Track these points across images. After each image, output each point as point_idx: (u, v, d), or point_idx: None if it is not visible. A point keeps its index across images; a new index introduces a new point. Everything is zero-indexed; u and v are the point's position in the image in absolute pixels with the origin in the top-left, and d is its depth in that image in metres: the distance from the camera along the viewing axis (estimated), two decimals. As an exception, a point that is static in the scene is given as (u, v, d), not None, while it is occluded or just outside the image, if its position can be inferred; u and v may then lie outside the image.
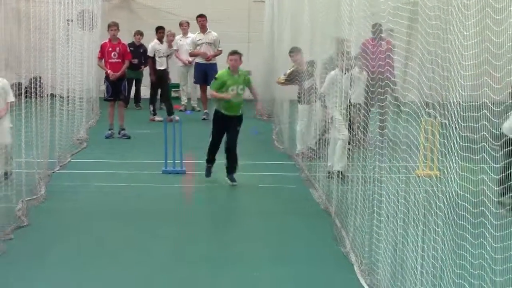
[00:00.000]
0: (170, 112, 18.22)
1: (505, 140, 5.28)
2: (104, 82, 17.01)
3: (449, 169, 5.91)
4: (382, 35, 8.67)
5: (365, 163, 8.76)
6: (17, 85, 11.47)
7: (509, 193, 6.81)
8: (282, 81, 14.87)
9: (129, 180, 12.74)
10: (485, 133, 5.28)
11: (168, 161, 13.13)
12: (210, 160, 12.59)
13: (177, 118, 13.91)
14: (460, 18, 5.69)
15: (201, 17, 20.04)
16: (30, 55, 11.75)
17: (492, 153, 5.28)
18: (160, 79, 19.34)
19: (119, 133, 16.69)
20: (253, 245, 9.41)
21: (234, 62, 12.17)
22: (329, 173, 11.48)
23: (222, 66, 14.69)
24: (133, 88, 21.04)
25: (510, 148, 5.10)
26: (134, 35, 20.90)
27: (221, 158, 12.44)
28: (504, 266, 5.09)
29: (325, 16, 11.72)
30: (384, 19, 7.98)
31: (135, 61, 19.81)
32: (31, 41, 11.90)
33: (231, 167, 12.35)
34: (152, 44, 19.60)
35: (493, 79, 5.21)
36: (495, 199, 5.32)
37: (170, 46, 19.91)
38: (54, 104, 13.89)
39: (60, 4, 14.57)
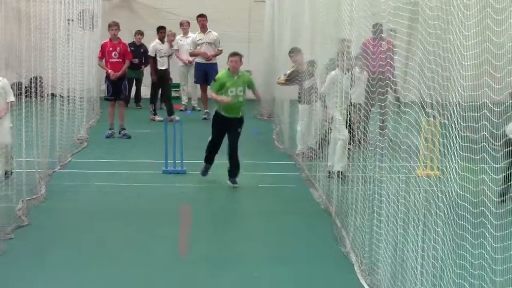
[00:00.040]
0: (170, 112, 18.21)
1: (505, 140, 5.27)
2: (105, 82, 17.00)
3: (449, 169, 5.92)
4: (382, 35, 8.66)
5: (366, 163, 8.76)
6: (17, 84, 11.47)
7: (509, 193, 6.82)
8: (282, 82, 14.86)
9: (129, 180, 12.72)
10: (486, 133, 5.28)
11: (168, 161, 13.13)
12: (209, 160, 12.51)
13: (177, 118, 13.90)
14: (461, 18, 5.69)
15: (202, 17, 20.03)
16: (30, 55, 11.75)
17: (493, 153, 5.27)
18: (162, 79, 19.32)
19: (119, 133, 16.69)
20: (253, 245, 9.40)
21: (235, 64, 12.10)
22: (329, 173, 11.47)
23: (223, 66, 14.69)
24: (134, 88, 21.03)
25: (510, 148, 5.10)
26: (135, 35, 20.88)
27: (221, 159, 12.42)
28: (504, 266, 5.08)
29: (325, 16, 11.71)
30: (385, 19, 7.98)
31: (136, 60, 19.80)
32: (31, 40, 11.90)
33: (234, 171, 12.28)
34: (153, 44, 19.58)
35: (493, 79, 5.21)
36: (495, 199, 5.31)
37: (171, 46, 19.91)
38: (54, 104, 13.88)
39: (61, 3, 14.57)
